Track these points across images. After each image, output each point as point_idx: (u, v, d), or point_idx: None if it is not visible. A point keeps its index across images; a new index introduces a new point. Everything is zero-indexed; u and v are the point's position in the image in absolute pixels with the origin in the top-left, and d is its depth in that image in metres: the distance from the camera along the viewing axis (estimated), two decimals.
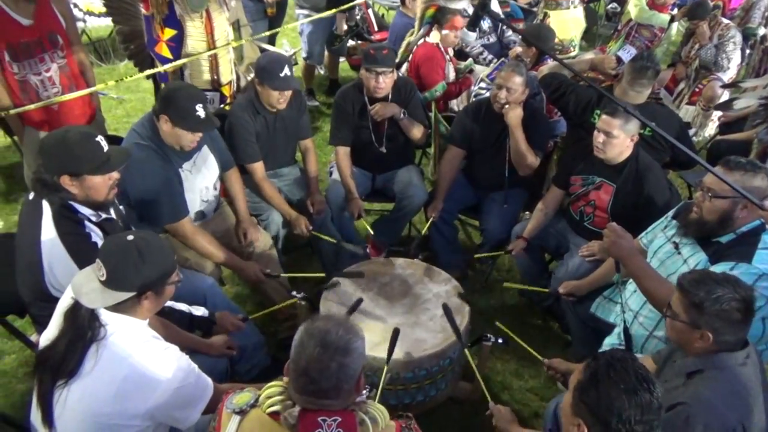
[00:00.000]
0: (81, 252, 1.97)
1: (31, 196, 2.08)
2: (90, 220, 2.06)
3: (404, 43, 4.16)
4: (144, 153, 2.47)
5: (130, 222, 2.38)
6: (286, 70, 2.90)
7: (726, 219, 2.09)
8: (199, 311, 2.32)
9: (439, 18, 3.88)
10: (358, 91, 3.31)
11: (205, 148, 2.73)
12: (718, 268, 2.01)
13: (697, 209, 2.16)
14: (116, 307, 1.65)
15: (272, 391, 1.44)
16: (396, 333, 2.28)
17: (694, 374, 1.68)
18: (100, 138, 2.03)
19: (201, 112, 2.44)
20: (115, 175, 2.07)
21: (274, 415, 1.40)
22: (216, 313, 2.37)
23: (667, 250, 2.29)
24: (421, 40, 3.98)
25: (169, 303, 2.18)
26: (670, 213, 2.40)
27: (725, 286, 1.64)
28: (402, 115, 3.29)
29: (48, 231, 1.99)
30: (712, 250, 2.13)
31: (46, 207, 2.01)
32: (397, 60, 4.14)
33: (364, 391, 1.54)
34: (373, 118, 3.29)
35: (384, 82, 3.18)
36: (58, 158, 1.97)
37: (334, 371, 1.36)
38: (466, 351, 2.39)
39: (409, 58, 4.03)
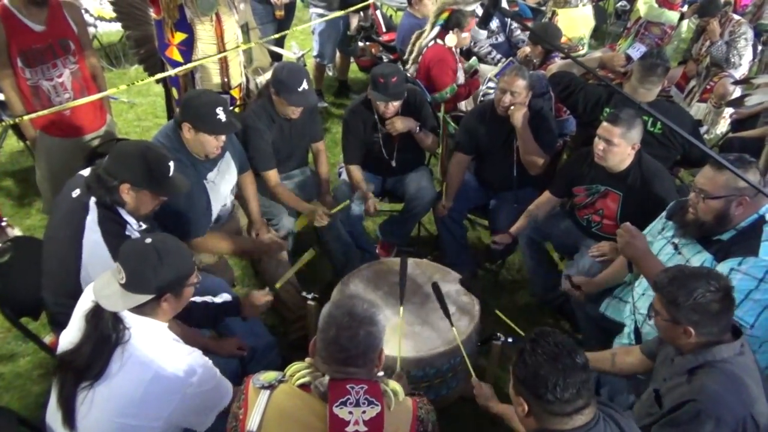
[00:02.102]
0: None
1: (75, 194, 2.10)
2: (132, 227, 2.10)
3: (416, 45, 4.15)
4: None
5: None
6: (305, 84, 2.87)
7: (722, 218, 2.08)
8: (221, 298, 2.34)
9: (459, 21, 3.85)
10: (367, 108, 3.25)
11: (227, 154, 2.73)
12: (726, 265, 2.01)
13: (692, 210, 2.15)
14: (137, 310, 1.67)
15: (298, 367, 1.51)
16: (405, 260, 2.25)
17: (696, 370, 1.68)
18: (171, 163, 2.12)
19: (222, 115, 2.45)
20: (164, 198, 2.16)
21: (304, 387, 1.47)
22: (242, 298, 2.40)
23: (667, 252, 2.28)
24: (432, 42, 3.97)
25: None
26: (663, 214, 2.38)
27: (698, 279, 1.66)
28: (417, 129, 3.27)
29: (92, 230, 2.02)
30: (715, 248, 2.12)
31: (92, 207, 2.04)
32: (408, 65, 4.16)
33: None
34: (384, 133, 3.25)
35: (393, 106, 3.14)
36: (132, 169, 2.04)
37: (363, 338, 1.46)
38: (456, 334, 2.34)
39: (419, 60, 4.02)
